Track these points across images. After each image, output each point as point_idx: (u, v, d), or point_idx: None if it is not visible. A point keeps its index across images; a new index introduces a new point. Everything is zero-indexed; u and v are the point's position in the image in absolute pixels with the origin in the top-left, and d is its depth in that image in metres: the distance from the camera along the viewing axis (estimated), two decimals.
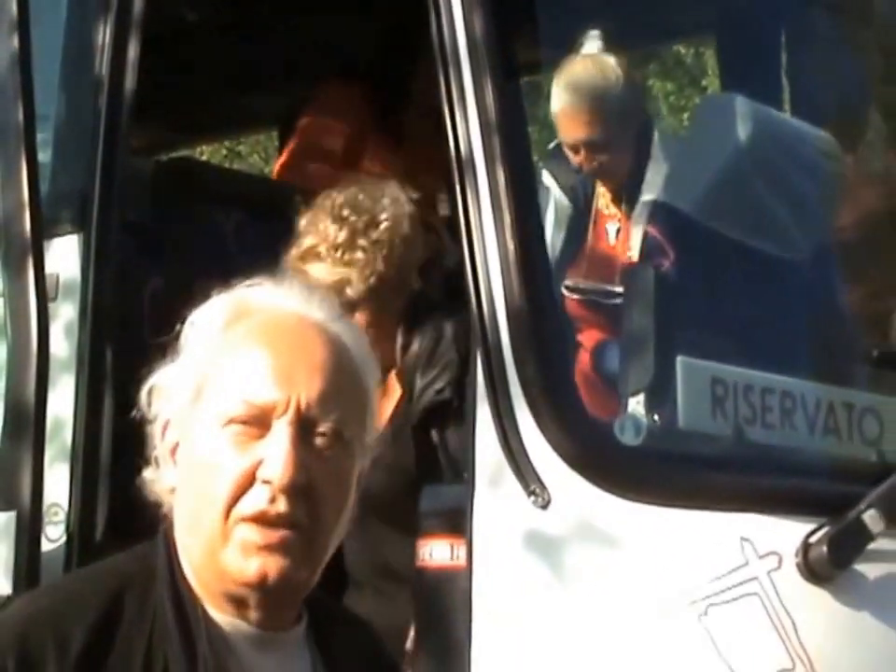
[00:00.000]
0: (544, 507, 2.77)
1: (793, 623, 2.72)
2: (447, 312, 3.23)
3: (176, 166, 4.61)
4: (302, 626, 1.79)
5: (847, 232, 3.57)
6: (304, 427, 1.70)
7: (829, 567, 2.71)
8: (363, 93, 4.51)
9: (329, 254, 3.30)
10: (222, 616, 1.72)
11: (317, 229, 3.33)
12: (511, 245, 2.80)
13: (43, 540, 3.26)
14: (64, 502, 3.35)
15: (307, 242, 3.34)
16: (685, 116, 12.66)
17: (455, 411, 3.14)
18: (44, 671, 1.64)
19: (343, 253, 3.29)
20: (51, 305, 3.30)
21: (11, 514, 3.24)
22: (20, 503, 3.23)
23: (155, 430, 1.79)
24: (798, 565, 2.73)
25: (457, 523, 2.87)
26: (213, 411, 1.72)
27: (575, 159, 3.58)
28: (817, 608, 2.76)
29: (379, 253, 3.29)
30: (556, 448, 2.77)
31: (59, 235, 3.42)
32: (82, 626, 1.67)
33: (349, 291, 3.27)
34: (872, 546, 2.73)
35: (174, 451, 1.77)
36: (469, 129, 2.86)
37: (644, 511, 2.77)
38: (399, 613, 3.06)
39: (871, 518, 2.72)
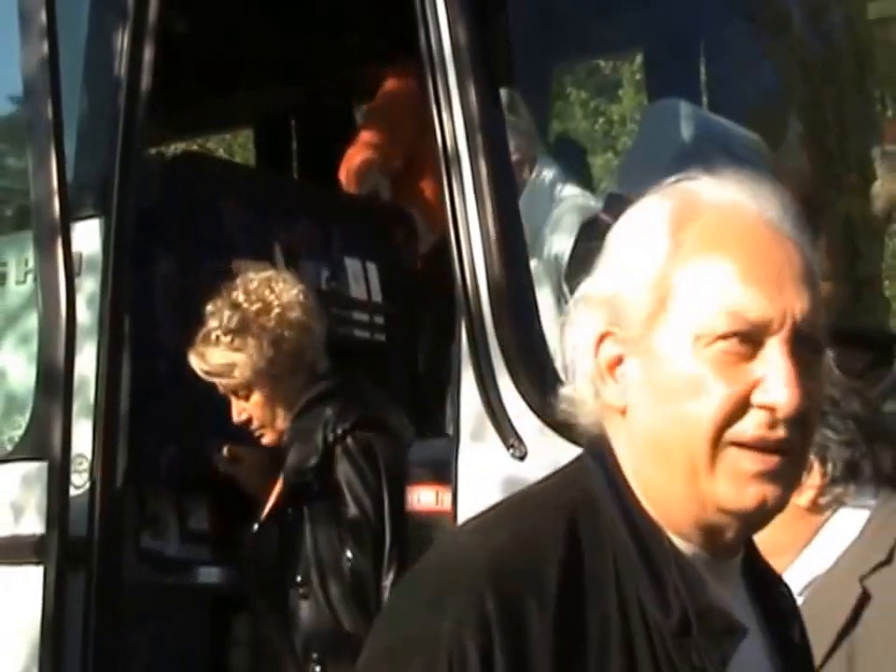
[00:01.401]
0: (521, 458, 2.71)
1: None
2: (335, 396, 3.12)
3: (185, 159, 4.56)
4: (741, 555, 1.42)
5: None
6: (797, 344, 1.31)
7: None
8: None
9: (220, 339, 3.13)
10: (680, 542, 1.35)
11: (217, 314, 3.16)
12: (491, 229, 2.75)
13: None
14: (88, 453, 3.29)
15: (209, 326, 3.17)
16: (601, 121, 12.71)
17: (327, 493, 3.04)
18: (523, 608, 1.27)
19: (234, 339, 3.11)
20: (76, 280, 3.23)
21: (44, 464, 3.19)
22: (51, 454, 3.18)
23: (579, 344, 1.38)
24: None
25: (442, 472, 2.81)
26: (685, 325, 1.32)
27: None
28: None
29: (267, 339, 3.11)
30: (532, 407, 2.71)
31: (83, 219, 3.35)
32: (553, 560, 1.30)
33: (236, 374, 3.11)
34: None
35: (613, 366, 1.36)
36: (454, 126, 2.80)
37: None
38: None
39: None
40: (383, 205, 4.48)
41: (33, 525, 3.26)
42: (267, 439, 3.18)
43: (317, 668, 2.97)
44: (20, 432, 3.39)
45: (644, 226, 1.36)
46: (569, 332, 1.39)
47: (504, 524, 1.35)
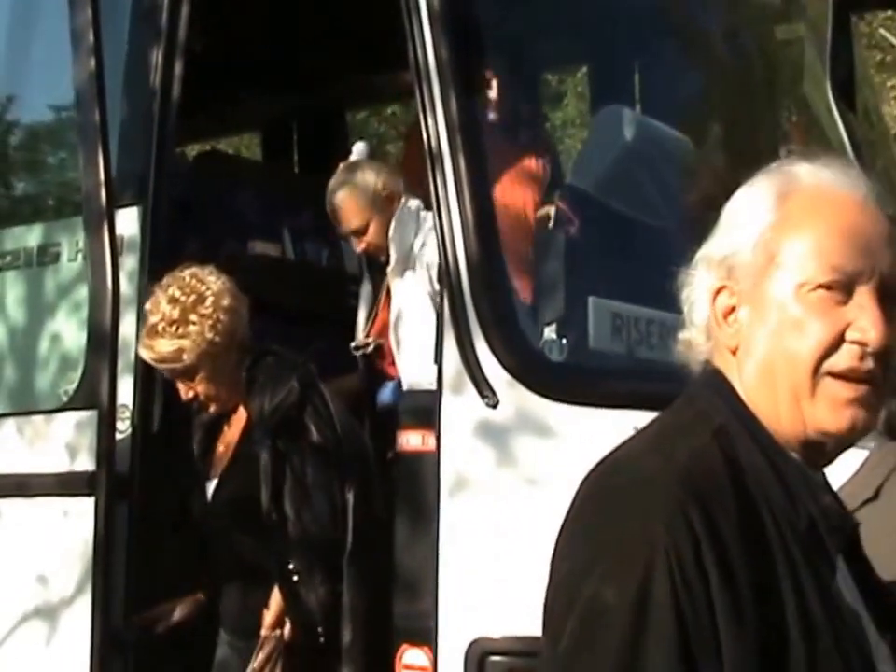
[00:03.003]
0: (494, 406, 2.70)
1: None
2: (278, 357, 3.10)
3: (209, 156, 4.51)
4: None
5: (696, 205, 3.51)
6: (882, 294, 1.35)
7: None
8: None
9: (166, 330, 3.05)
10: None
11: (158, 309, 3.08)
12: (469, 215, 2.72)
13: None
14: (130, 403, 3.26)
15: (151, 321, 3.09)
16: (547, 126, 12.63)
17: (299, 426, 3.00)
18: (716, 515, 1.26)
19: (178, 328, 3.04)
20: (119, 258, 3.19)
21: (94, 412, 3.17)
22: (100, 404, 3.14)
23: (698, 297, 1.40)
24: None
25: (427, 418, 2.79)
26: (790, 277, 1.35)
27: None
28: None
29: (207, 324, 3.05)
30: (502, 363, 2.70)
31: (124, 207, 3.30)
32: (724, 475, 1.30)
33: (185, 358, 3.05)
34: None
35: (727, 314, 1.38)
36: (437, 128, 2.77)
37: (566, 409, 2.70)
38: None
39: None
40: None
41: (85, 463, 3.25)
42: (213, 408, 3.15)
43: (295, 577, 2.96)
44: (74, 386, 3.36)
45: (755, 199, 1.40)
46: (687, 289, 1.42)
47: (670, 448, 1.33)
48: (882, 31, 10.81)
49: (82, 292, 3.36)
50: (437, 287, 3.12)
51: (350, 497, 2.96)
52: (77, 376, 3.35)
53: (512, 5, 3.26)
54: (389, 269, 3.43)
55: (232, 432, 3.19)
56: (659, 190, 3.32)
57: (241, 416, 3.17)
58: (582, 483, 1.36)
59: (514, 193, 3.10)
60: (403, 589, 2.76)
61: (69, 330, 3.47)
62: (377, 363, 3.57)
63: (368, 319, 3.63)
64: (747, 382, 1.37)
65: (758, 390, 1.37)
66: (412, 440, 2.85)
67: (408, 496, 2.85)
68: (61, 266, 3.56)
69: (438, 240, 2.76)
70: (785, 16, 4.12)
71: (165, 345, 3.06)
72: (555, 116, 12.47)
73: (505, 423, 2.70)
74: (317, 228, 4.08)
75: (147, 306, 3.12)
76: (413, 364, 3.11)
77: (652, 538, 1.24)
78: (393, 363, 3.37)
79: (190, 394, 3.13)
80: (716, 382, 1.39)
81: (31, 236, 3.67)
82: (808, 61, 3.95)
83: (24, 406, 3.51)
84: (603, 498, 1.33)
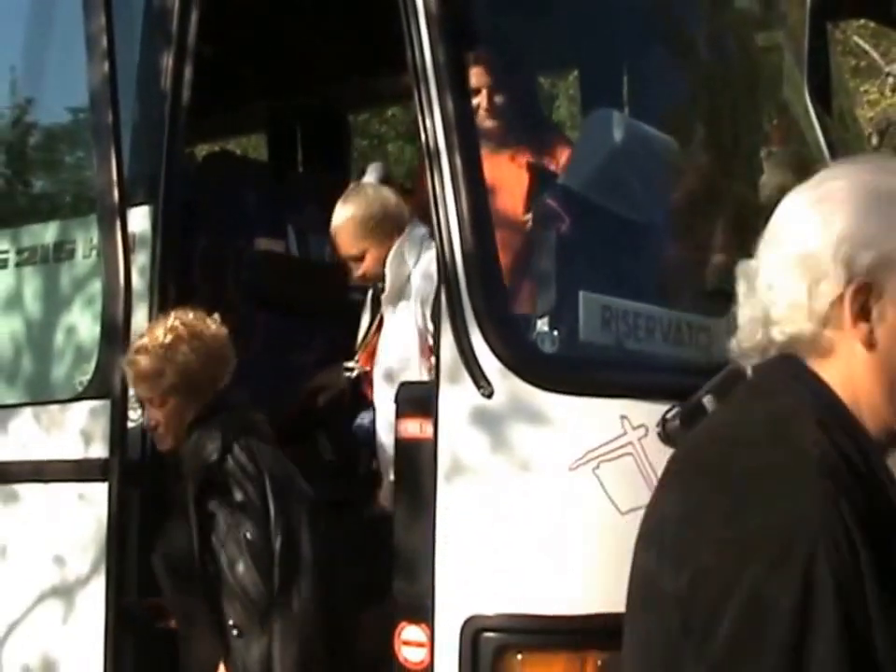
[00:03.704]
0: (489, 396, 2.67)
1: (654, 472, 2.64)
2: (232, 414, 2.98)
3: (217, 157, 4.49)
4: None
5: (682, 202, 3.49)
6: None
7: (680, 434, 2.63)
8: None
9: (154, 350, 2.99)
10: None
11: (153, 333, 3.03)
12: (465, 212, 2.69)
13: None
14: None
15: (142, 341, 3.03)
16: None
17: (223, 485, 2.89)
18: (853, 496, 1.25)
19: (166, 351, 2.98)
20: (132, 255, 3.16)
21: (107, 402, 3.16)
22: (113, 393, 3.14)
23: (822, 292, 1.37)
24: (658, 433, 2.65)
25: (425, 407, 2.76)
26: None
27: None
28: None
29: (193, 357, 2.98)
30: (497, 355, 2.67)
31: (136, 205, 3.28)
32: (849, 472, 1.27)
33: (163, 381, 2.97)
34: None
35: (857, 315, 1.37)
36: (434, 128, 2.74)
37: (557, 398, 2.67)
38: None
39: (708, 401, 2.64)
40: None
41: (99, 450, 3.23)
42: (166, 445, 3.07)
43: (234, 632, 2.88)
44: (88, 377, 3.34)
45: (871, 200, 1.36)
46: (770, 282, 1.38)
47: (789, 436, 1.30)
48: (856, 38, 10.80)
49: (96, 287, 3.35)
50: (429, 324, 3.07)
51: (277, 547, 2.85)
52: (91, 367, 3.33)
53: (507, 8, 3.23)
54: (383, 297, 3.33)
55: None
56: (646, 189, 3.30)
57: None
58: (682, 459, 1.34)
59: (508, 191, 3.07)
60: (402, 569, 2.74)
61: (83, 324, 3.45)
62: (362, 389, 3.49)
63: (362, 344, 3.52)
64: (858, 376, 1.36)
65: (871, 384, 1.35)
66: (410, 428, 2.82)
67: (407, 481, 2.83)
68: (76, 262, 3.54)
69: (434, 234, 2.73)
70: (765, 24, 4.11)
71: (149, 363, 2.99)
72: (548, 117, 12.42)
73: (499, 411, 2.68)
74: (320, 225, 4.06)
75: (145, 330, 3.07)
76: (388, 400, 3.06)
77: (811, 528, 1.21)
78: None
79: (152, 423, 3.05)
80: (803, 374, 1.37)
81: (47, 233, 3.65)
82: (787, 66, 3.94)
83: (41, 396, 3.49)
84: (736, 483, 1.28)
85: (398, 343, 3.24)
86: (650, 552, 1.33)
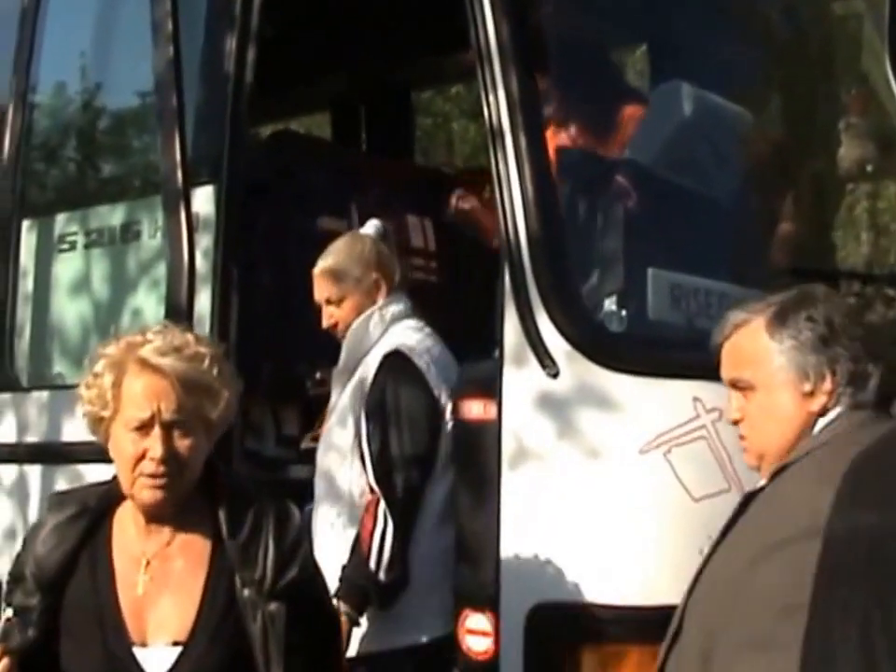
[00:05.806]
0: (554, 376, 2.62)
1: (729, 457, 2.57)
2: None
3: (281, 136, 4.48)
4: None
5: (754, 176, 3.40)
6: None
7: None
8: None
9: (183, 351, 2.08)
10: None
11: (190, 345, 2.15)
12: (529, 190, 2.64)
13: None
14: None
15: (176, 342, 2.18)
16: None
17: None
18: None
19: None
20: (196, 235, 3.15)
21: None
22: None
23: None
24: None
25: (489, 387, 2.71)
26: None
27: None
28: None
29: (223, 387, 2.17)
30: (563, 334, 2.62)
31: (200, 186, 3.27)
32: None
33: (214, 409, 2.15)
34: None
35: None
36: (499, 107, 2.69)
37: (626, 379, 2.62)
38: None
39: None
40: (436, 172, 4.39)
41: None
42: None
43: None
44: None
45: None
46: None
47: None
48: None
49: (161, 268, 3.35)
50: (359, 410, 2.99)
51: None
52: None
53: None
54: (335, 370, 3.18)
55: (188, 568, 2.05)
56: (717, 163, 3.22)
57: (196, 543, 2.08)
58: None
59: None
60: (466, 554, 2.71)
61: (148, 305, 3.47)
62: None
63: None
64: None
65: None
66: (474, 409, 2.78)
67: (469, 464, 2.79)
68: (142, 243, 3.56)
69: (498, 213, 2.68)
70: None
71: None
72: (619, 90, 12.24)
73: (565, 393, 2.63)
74: (384, 204, 4.04)
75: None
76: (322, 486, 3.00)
77: None
78: None
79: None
80: None
81: (115, 215, 3.68)
82: (867, 35, 3.83)
83: None
84: None
85: (332, 431, 3.11)
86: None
